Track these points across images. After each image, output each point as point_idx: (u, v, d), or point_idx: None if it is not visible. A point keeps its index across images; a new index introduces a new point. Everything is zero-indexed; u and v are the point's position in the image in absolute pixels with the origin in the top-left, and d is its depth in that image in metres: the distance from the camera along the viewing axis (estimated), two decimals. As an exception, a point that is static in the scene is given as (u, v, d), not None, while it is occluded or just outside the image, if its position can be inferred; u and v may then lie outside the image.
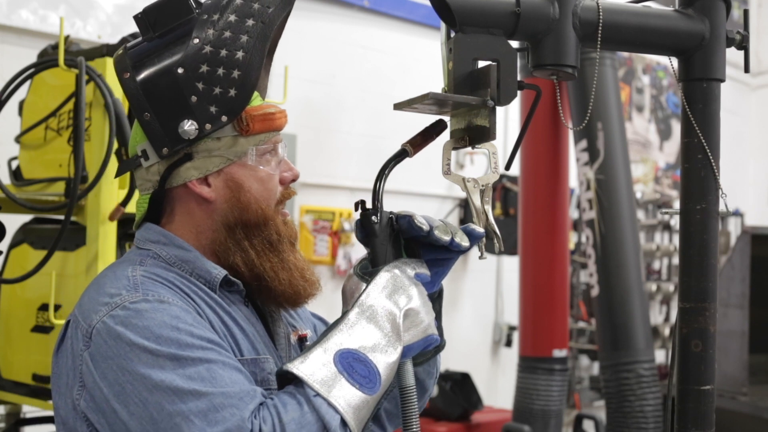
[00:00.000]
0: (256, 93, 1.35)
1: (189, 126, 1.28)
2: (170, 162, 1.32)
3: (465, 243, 1.29)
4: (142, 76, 1.30)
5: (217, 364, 1.16)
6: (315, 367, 1.15)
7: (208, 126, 1.28)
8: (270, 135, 1.36)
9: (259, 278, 1.33)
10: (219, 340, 1.21)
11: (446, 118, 1.35)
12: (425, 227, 1.27)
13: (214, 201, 1.33)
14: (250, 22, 1.30)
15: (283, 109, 1.40)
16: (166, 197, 1.35)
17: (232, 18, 1.30)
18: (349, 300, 1.29)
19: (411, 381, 1.26)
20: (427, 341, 1.24)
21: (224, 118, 1.29)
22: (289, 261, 1.35)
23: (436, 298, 1.39)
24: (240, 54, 1.29)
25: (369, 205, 1.30)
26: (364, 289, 1.23)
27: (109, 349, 1.18)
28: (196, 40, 1.29)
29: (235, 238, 1.33)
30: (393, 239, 1.29)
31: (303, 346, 1.42)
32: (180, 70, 1.28)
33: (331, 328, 1.20)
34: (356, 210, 1.32)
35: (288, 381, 1.18)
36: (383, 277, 1.23)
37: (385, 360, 1.19)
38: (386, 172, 1.32)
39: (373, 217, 1.29)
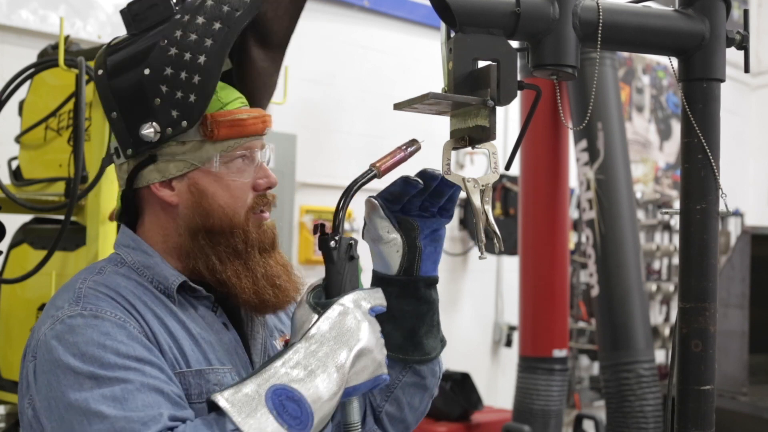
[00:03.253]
0: (236, 96, 1.34)
1: (147, 130, 1.27)
2: (137, 162, 1.31)
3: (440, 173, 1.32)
4: (113, 74, 1.30)
5: (135, 385, 1.13)
6: (243, 400, 1.10)
7: (169, 130, 1.27)
8: (240, 141, 1.32)
9: (223, 285, 1.31)
10: (150, 358, 1.18)
11: (420, 139, 1.36)
12: (420, 181, 1.30)
13: (177, 205, 1.32)
14: (217, 25, 1.28)
15: (260, 114, 1.35)
16: (136, 197, 1.35)
17: (200, 20, 1.28)
18: (297, 331, 1.21)
19: (356, 418, 1.25)
20: (376, 381, 1.20)
21: (184, 124, 1.27)
22: (256, 268, 1.32)
23: (431, 288, 1.42)
24: (202, 59, 1.26)
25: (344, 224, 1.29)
26: (314, 323, 1.18)
27: (45, 364, 1.18)
28: (165, 42, 1.27)
29: (199, 243, 1.31)
30: (351, 267, 1.25)
31: None
32: (146, 71, 1.27)
33: (273, 359, 1.16)
34: (314, 233, 1.28)
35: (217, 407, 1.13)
36: (335, 311, 1.19)
37: (322, 404, 1.13)
38: (351, 194, 1.28)
39: (332, 242, 1.25)
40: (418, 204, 1.38)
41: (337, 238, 1.25)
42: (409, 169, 1.38)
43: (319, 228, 1.27)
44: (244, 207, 1.32)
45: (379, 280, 1.43)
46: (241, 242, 1.31)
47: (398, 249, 1.39)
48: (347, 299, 1.21)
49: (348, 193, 1.28)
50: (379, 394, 1.47)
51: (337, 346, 1.16)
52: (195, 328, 1.29)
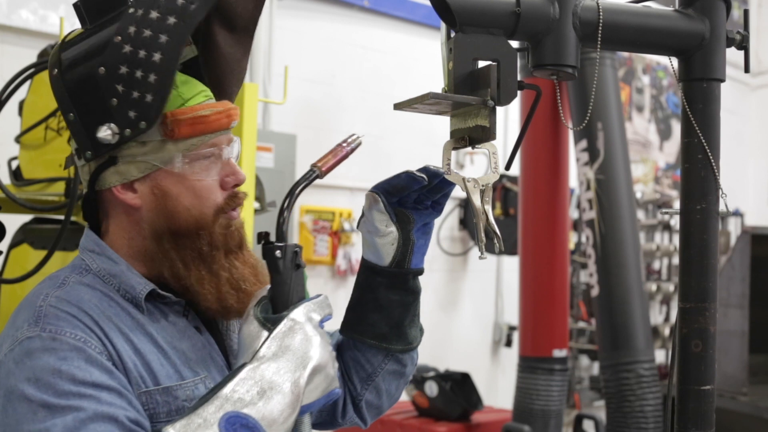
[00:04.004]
0: (199, 90, 1.28)
1: (105, 132, 1.21)
2: (98, 164, 1.25)
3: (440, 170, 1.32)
4: (68, 73, 1.23)
5: (88, 413, 1.09)
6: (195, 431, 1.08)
7: (128, 131, 1.20)
8: (204, 138, 1.26)
9: (186, 291, 1.27)
10: (108, 383, 1.14)
11: (359, 134, 1.38)
12: (425, 178, 1.31)
13: (141, 208, 1.26)
14: (172, 20, 1.20)
15: (225, 108, 1.28)
16: (99, 200, 1.29)
17: (155, 15, 1.20)
18: (246, 349, 1.16)
19: None
20: (329, 397, 1.17)
21: (143, 125, 1.20)
22: (220, 272, 1.27)
23: (417, 279, 1.42)
24: (158, 56, 1.19)
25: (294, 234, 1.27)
26: (264, 342, 1.14)
27: (2, 389, 1.14)
28: (118, 38, 1.19)
29: (164, 247, 1.26)
30: (297, 276, 1.21)
31: None
32: (101, 70, 1.20)
33: (225, 381, 1.13)
34: (258, 242, 1.22)
35: None
36: (285, 327, 1.15)
37: (277, 427, 1.10)
38: (294, 197, 1.24)
39: (277, 252, 1.20)
40: (414, 197, 1.39)
41: (282, 246, 1.20)
42: (404, 164, 1.38)
43: (262, 237, 1.21)
44: (211, 207, 1.27)
45: (368, 269, 1.43)
46: (206, 245, 1.26)
47: (393, 242, 1.39)
48: (297, 313, 1.17)
49: (290, 197, 1.24)
50: (360, 383, 1.48)
51: (290, 366, 1.13)
52: (165, 338, 1.25)
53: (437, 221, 6.43)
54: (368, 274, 1.43)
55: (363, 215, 1.40)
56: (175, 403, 1.21)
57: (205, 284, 1.26)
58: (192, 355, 1.27)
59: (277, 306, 1.19)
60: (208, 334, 1.33)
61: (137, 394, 1.19)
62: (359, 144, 1.36)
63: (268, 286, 1.23)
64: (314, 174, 1.29)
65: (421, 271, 1.44)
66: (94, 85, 1.21)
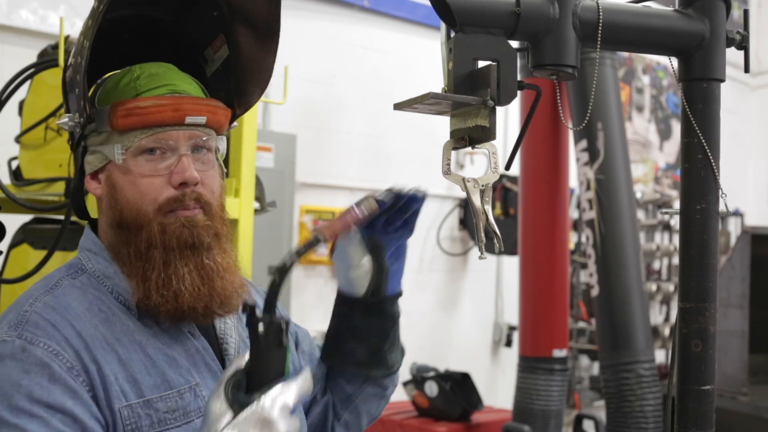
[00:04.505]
0: (162, 83, 1.28)
1: (63, 120, 1.29)
2: (80, 154, 1.32)
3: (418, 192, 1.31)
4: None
5: None
6: None
7: (77, 118, 1.28)
8: (146, 132, 1.24)
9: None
10: (64, 405, 1.11)
11: (374, 197, 1.27)
12: (387, 201, 1.28)
13: (101, 199, 1.30)
14: (90, 22, 1.26)
15: (172, 102, 1.26)
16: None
17: (89, 22, 1.27)
18: (210, 426, 1.06)
19: None
20: None
21: (77, 115, 1.28)
22: (149, 273, 1.23)
23: (395, 302, 1.40)
24: (80, 59, 1.25)
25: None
26: (225, 426, 1.03)
27: None
28: (72, 50, 1.30)
29: (117, 241, 1.27)
30: (278, 354, 1.08)
31: None
32: (66, 74, 1.31)
33: None
34: (242, 311, 1.11)
35: None
36: (250, 416, 1.03)
37: None
38: (289, 268, 1.11)
39: (260, 325, 1.07)
40: (383, 220, 1.35)
41: (267, 320, 1.08)
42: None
43: (247, 307, 1.09)
44: (151, 204, 1.25)
45: (344, 300, 1.41)
46: (144, 242, 1.24)
47: (367, 272, 1.37)
48: (266, 400, 1.04)
49: (285, 270, 1.10)
50: (339, 404, 1.47)
51: None
52: (155, 345, 1.24)
53: (437, 221, 6.44)
54: (344, 304, 1.41)
55: (335, 248, 1.38)
56: (156, 415, 1.20)
57: (140, 284, 1.24)
58: (183, 362, 1.26)
59: (252, 382, 1.08)
60: (203, 339, 1.30)
61: (119, 408, 1.17)
62: (374, 211, 1.25)
63: (247, 355, 1.10)
64: (317, 242, 1.16)
65: (398, 295, 1.43)
66: (64, 83, 1.33)
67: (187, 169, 1.26)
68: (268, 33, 1.37)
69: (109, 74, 1.35)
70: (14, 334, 1.16)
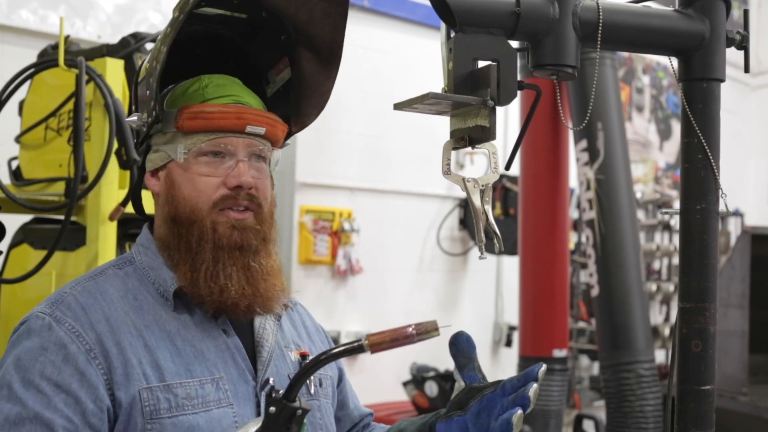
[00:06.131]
0: (229, 93, 1.36)
1: (132, 117, 1.36)
2: (144, 151, 1.40)
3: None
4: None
5: (30, 413, 1.16)
6: None
7: (145, 117, 1.34)
8: (209, 135, 1.33)
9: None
10: (71, 387, 1.19)
11: (442, 326, 1.17)
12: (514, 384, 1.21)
13: (159, 195, 1.38)
14: (168, 30, 1.32)
15: (235, 110, 1.33)
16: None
17: (168, 30, 1.33)
18: None
19: None
20: None
21: (144, 115, 1.35)
22: (200, 266, 1.30)
23: None
24: (156, 64, 1.32)
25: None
26: None
27: (6, 349, 1.27)
28: (149, 54, 1.37)
29: (170, 234, 1.34)
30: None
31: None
32: (141, 75, 1.37)
33: None
34: (261, 389, 1.23)
35: None
36: None
37: None
38: (325, 362, 1.10)
39: (271, 408, 1.08)
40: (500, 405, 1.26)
41: (281, 404, 1.08)
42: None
43: (267, 385, 1.20)
44: (206, 201, 1.32)
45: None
46: (196, 237, 1.32)
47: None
48: None
49: (318, 362, 1.10)
50: None
51: None
52: (185, 336, 1.30)
53: (437, 221, 6.40)
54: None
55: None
56: (175, 400, 1.25)
57: (188, 276, 1.31)
58: (212, 356, 1.31)
59: None
60: (236, 338, 1.35)
61: (138, 390, 1.23)
62: (431, 336, 1.16)
63: (256, 427, 1.11)
64: (358, 347, 1.11)
65: None
66: (137, 85, 1.41)
67: (243, 174, 1.33)
68: (330, 57, 1.44)
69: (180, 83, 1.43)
70: (48, 312, 1.26)
